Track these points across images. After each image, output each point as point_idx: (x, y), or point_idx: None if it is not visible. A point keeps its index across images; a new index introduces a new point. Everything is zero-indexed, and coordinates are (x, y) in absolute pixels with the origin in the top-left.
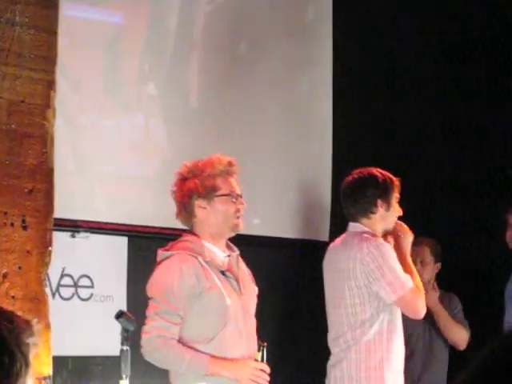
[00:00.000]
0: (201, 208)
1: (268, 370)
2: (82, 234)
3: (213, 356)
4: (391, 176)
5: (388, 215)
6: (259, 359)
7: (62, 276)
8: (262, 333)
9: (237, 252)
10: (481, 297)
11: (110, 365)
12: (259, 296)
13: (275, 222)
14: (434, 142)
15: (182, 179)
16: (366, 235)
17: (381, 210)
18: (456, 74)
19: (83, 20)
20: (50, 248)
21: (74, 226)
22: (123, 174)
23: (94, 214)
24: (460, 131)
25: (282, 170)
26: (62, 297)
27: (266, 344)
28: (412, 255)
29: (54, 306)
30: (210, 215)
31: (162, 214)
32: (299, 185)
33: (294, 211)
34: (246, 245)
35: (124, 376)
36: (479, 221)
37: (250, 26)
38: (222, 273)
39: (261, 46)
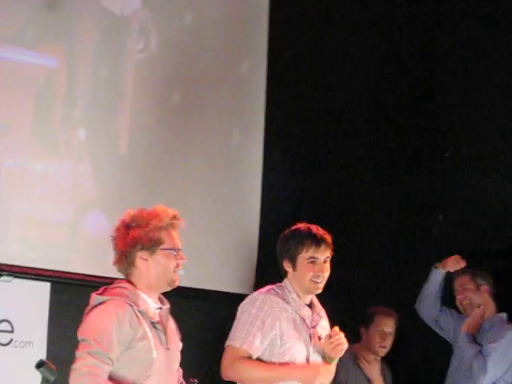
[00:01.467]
0: (142, 259)
1: None
2: (5, 278)
3: None
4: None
5: (296, 275)
6: None
7: None
8: None
9: (167, 305)
10: None
11: None
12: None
13: (200, 272)
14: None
15: (125, 227)
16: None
17: (288, 269)
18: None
19: (15, 62)
20: None
21: None
22: (49, 219)
23: (18, 258)
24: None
25: (210, 220)
26: None
27: (196, 381)
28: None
29: None
30: (151, 267)
31: (85, 260)
32: (226, 235)
33: (220, 262)
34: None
35: None
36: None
37: (183, 75)
38: (153, 324)
39: (193, 95)
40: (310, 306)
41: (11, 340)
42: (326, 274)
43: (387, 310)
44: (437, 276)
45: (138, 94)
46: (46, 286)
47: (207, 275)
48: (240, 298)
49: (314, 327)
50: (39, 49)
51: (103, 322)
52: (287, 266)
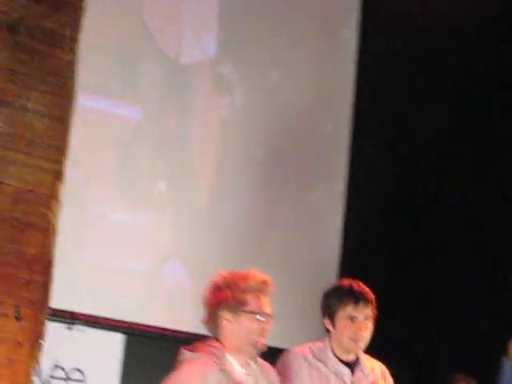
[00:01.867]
0: (226, 320)
1: None
2: (79, 327)
3: None
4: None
5: (336, 333)
6: None
7: (54, 367)
8: None
9: (257, 370)
10: None
11: None
12: None
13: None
14: None
15: (216, 288)
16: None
17: (329, 327)
18: None
19: (101, 112)
20: (41, 341)
21: (71, 318)
22: (127, 269)
23: (93, 308)
24: None
25: (289, 279)
26: None
27: None
28: None
29: None
30: (234, 329)
31: (163, 313)
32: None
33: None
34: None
35: None
36: None
37: (268, 132)
38: None
39: (277, 152)
40: (355, 364)
41: None
42: (367, 334)
43: (468, 379)
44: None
45: (221, 147)
46: (120, 337)
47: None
48: None
49: None
50: (125, 100)
51: (189, 378)
52: (327, 323)
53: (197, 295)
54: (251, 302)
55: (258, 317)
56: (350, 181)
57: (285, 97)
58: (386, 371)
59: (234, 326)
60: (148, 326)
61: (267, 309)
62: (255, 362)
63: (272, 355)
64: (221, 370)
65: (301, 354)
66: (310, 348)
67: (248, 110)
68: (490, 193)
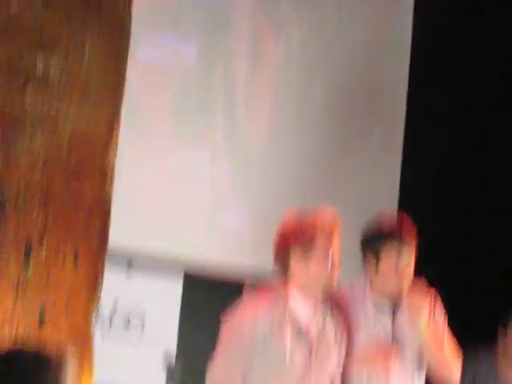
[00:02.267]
0: (296, 262)
1: None
2: (137, 270)
3: None
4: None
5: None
6: None
7: (114, 311)
8: None
9: (327, 317)
10: None
11: None
12: None
13: None
14: None
15: (286, 229)
16: None
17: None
18: None
19: (154, 58)
20: (100, 286)
21: (130, 262)
22: (185, 214)
23: (152, 251)
24: None
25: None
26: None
27: None
28: None
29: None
30: (304, 271)
31: (222, 256)
32: None
33: None
34: None
35: None
36: None
37: (327, 71)
38: (297, 331)
39: (337, 92)
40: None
41: (142, 334)
42: (410, 275)
43: None
44: None
45: (277, 90)
46: (179, 280)
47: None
48: None
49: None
50: (178, 43)
51: (241, 323)
52: (369, 260)
53: (256, 238)
54: (320, 243)
55: (327, 259)
56: (408, 125)
57: (343, 39)
58: (436, 299)
59: (303, 269)
60: (207, 268)
61: (336, 251)
62: (326, 303)
63: None
64: (281, 314)
65: (359, 293)
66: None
67: (305, 52)
68: None
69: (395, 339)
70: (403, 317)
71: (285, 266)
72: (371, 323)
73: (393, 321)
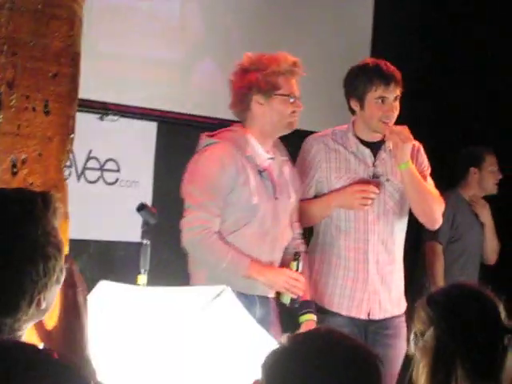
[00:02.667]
0: (258, 103)
1: (302, 280)
2: (111, 117)
3: (252, 259)
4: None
5: (364, 114)
6: (294, 269)
7: (89, 159)
8: None
9: (284, 158)
10: None
11: (131, 250)
12: None
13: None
14: None
15: (243, 70)
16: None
17: (355, 108)
18: None
19: None
20: (72, 135)
21: (103, 109)
22: (156, 58)
23: (125, 98)
24: None
25: (321, 64)
26: (87, 180)
27: (301, 254)
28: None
29: (79, 188)
30: (266, 112)
31: (193, 101)
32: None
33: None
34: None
35: (142, 270)
36: None
37: None
38: (259, 172)
39: None
40: (382, 142)
41: (117, 179)
42: (396, 114)
43: (490, 149)
44: None
45: None
46: (152, 126)
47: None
48: None
49: (373, 166)
50: None
51: (208, 168)
52: (354, 105)
53: (227, 83)
54: (283, 84)
55: (290, 99)
56: None
57: None
58: (420, 148)
59: (265, 109)
60: (179, 114)
61: (297, 91)
62: (281, 151)
63: (301, 138)
64: (242, 155)
65: (320, 138)
66: (332, 131)
67: None
68: None
69: (376, 176)
70: (385, 154)
71: (245, 109)
72: (352, 166)
73: (374, 161)
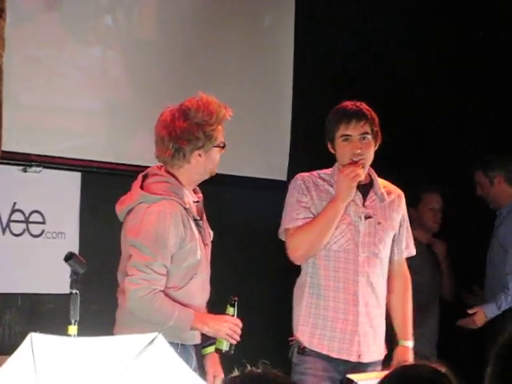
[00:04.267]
0: (198, 156)
1: (241, 324)
2: (34, 169)
3: (195, 311)
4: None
5: (337, 155)
6: (231, 314)
7: (13, 211)
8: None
9: (201, 196)
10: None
11: (60, 303)
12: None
13: (233, 159)
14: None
15: (174, 120)
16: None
17: (332, 151)
18: None
19: None
20: None
21: (25, 160)
22: (78, 108)
23: (47, 148)
24: None
25: (242, 108)
26: (12, 233)
27: (237, 299)
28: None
29: (4, 242)
30: (202, 164)
31: (116, 149)
32: (258, 121)
33: (252, 149)
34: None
35: (73, 321)
36: None
37: None
38: (196, 221)
39: None
40: (370, 186)
41: (43, 231)
42: (367, 152)
43: (432, 187)
44: None
45: None
46: (76, 176)
47: (240, 162)
48: (273, 183)
49: (364, 206)
50: None
51: (159, 226)
52: (331, 147)
53: (150, 130)
54: (218, 134)
55: (219, 152)
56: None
57: None
58: (402, 196)
59: (203, 160)
60: (103, 163)
61: (223, 140)
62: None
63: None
64: (184, 208)
65: (310, 177)
66: (318, 174)
67: None
68: None
69: (368, 216)
70: (375, 196)
71: (179, 159)
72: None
73: (363, 202)
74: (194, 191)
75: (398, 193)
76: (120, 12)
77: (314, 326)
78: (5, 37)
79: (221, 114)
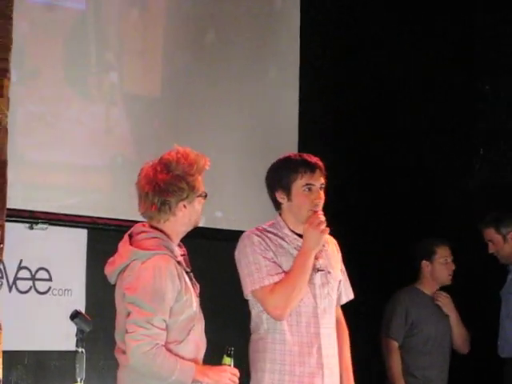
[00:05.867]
0: (183, 207)
1: (238, 374)
2: (40, 226)
3: (195, 363)
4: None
5: (291, 205)
6: (227, 363)
7: (20, 269)
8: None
9: (184, 249)
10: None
11: (67, 359)
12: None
13: (237, 215)
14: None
15: (156, 174)
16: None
17: (282, 201)
18: None
19: (44, 5)
20: (1, 245)
21: (31, 218)
22: (83, 165)
23: (53, 206)
24: None
25: (246, 162)
26: (18, 290)
27: (233, 348)
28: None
29: (11, 299)
30: (187, 215)
31: (122, 205)
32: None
33: (256, 204)
34: (207, 238)
35: (79, 379)
36: None
37: (218, 14)
38: (187, 273)
39: (228, 35)
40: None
41: (49, 288)
42: (322, 202)
43: (443, 240)
44: None
45: (170, 35)
46: (83, 233)
47: (245, 217)
48: None
49: (316, 258)
50: None
51: (157, 282)
52: (280, 197)
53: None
54: (199, 184)
55: (203, 198)
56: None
57: None
58: (336, 244)
59: (188, 211)
60: (109, 219)
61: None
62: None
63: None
64: (176, 262)
65: (261, 233)
66: (264, 229)
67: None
68: None
69: (320, 269)
70: (325, 246)
71: (165, 212)
72: (289, 258)
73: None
74: (178, 245)
75: (334, 241)
76: (124, 68)
77: (280, 382)
78: (9, 96)
79: (201, 164)
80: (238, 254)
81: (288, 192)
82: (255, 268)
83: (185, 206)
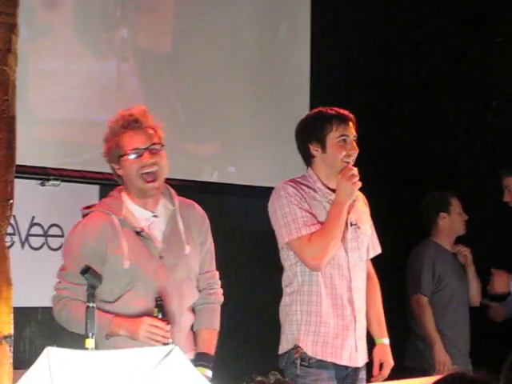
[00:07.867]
0: (119, 170)
1: (165, 327)
2: (52, 183)
3: (116, 316)
4: (330, 113)
5: (326, 157)
6: (156, 315)
7: (32, 225)
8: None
9: (171, 208)
10: None
11: None
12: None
13: (250, 170)
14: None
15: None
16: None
17: (316, 153)
18: None
19: None
20: (11, 201)
21: (43, 174)
22: (94, 121)
23: (65, 162)
24: None
25: (258, 117)
26: (31, 246)
27: (162, 299)
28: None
29: (24, 255)
30: (126, 176)
31: None
32: (275, 132)
33: (270, 159)
34: (219, 193)
35: (90, 334)
36: None
37: None
38: (138, 233)
39: None
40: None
41: (62, 244)
42: (356, 154)
43: (451, 191)
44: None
45: None
46: (95, 189)
47: (258, 172)
48: None
49: (347, 213)
50: None
51: (72, 238)
52: (314, 149)
53: (167, 140)
54: (124, 144)
55: (132, 156)
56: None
57: None
58: (365, 199)
59: (125, 173)
60: None
61: (142, 143)
62: (171, 201)
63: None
64: (116, 219)
65: (296, 185)
66: (296, 180)
67: None
68: None
69: (352, 224)
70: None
71: (116, 177)
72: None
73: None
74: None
75: (361, 195)
76: (135, 24)
77: (315, 334)
78: (17, 52)
79: (121, 121)
80: (273, 205)
81: (323, 144)
82: (292, 219)
83: (118, 169)
